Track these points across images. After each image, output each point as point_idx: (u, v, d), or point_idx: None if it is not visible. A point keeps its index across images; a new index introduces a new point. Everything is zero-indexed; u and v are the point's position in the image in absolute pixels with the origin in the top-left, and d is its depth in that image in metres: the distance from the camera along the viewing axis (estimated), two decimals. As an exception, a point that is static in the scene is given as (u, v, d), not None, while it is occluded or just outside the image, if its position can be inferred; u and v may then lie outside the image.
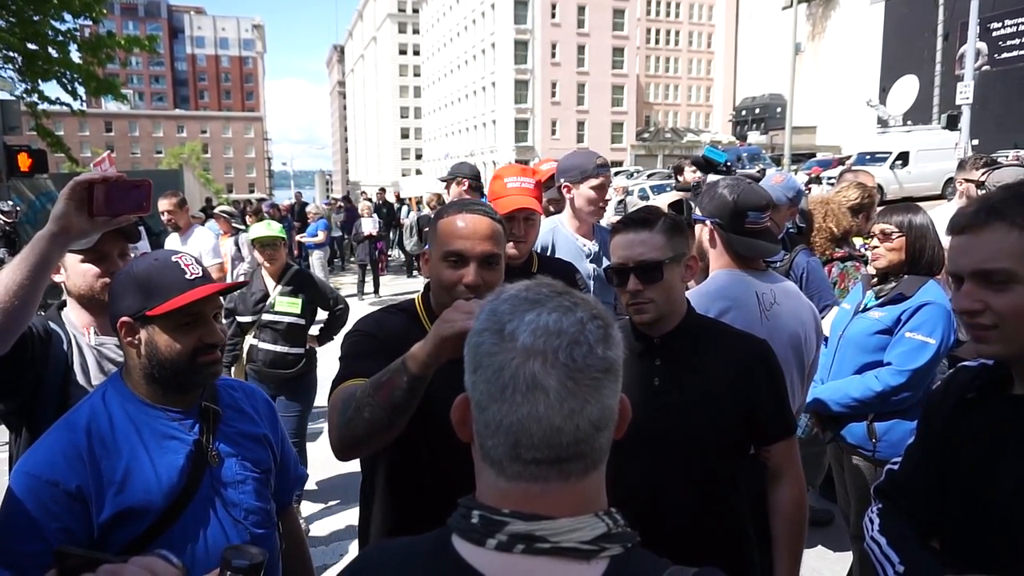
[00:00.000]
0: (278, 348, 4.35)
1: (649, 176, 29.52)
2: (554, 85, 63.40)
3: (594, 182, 2.89)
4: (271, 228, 4.53)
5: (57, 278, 2.07)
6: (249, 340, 4.46)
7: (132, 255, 2.14)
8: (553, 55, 62.80)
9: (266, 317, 4.37)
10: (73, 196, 1.40)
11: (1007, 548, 1.19)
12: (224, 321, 4.15)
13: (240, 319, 4.46)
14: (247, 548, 1.18)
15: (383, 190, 19.72)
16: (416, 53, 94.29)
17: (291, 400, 4.41)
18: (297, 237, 14.41)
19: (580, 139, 62.75)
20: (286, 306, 4.37)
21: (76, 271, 2.03)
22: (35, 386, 1.91)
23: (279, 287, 4.43)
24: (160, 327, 1.50)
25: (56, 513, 1.39)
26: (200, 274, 1.55)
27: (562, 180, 2.98)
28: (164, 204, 5.88)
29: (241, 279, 6.88)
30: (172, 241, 6.01)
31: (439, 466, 1.65)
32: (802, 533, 1.89)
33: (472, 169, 5.32)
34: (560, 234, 2.99)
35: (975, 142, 21.85)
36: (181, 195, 6.16)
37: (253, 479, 1.63)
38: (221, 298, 1.64)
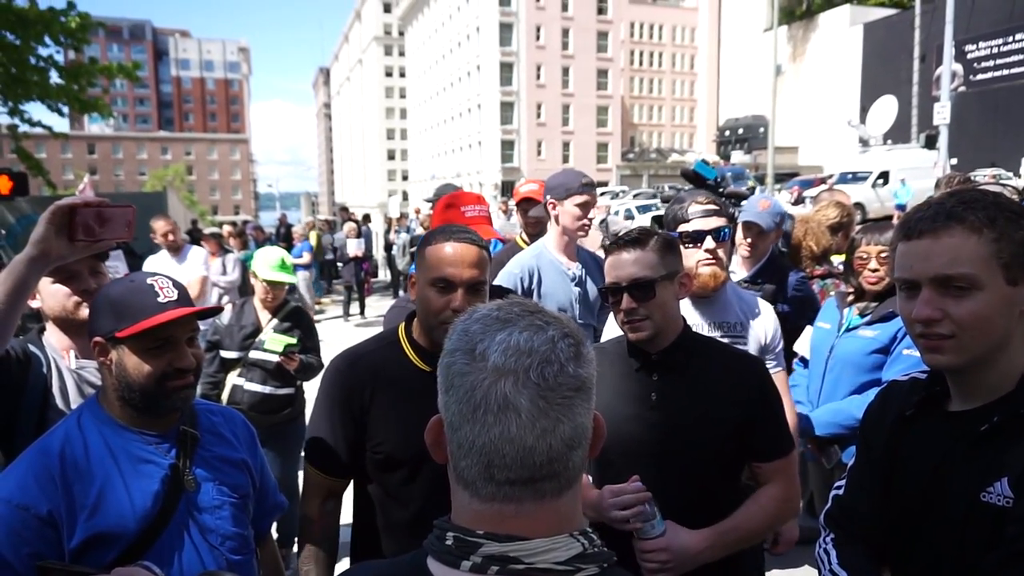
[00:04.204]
0: (266, 389, 3.88)
1: (635, 196, 29.73)
2: (539, 106, 63.86)
3: (578, 199, 2.91)
4: (286, 270, 3.98)
5: (34, 304, 2.04)
6: (232, 379, 3.92)
7: (110, 272, 2.13)
8: (538, 77, 63.32)
9: (255, 355, 3.87)
10: (54, 220, 1.40)
11: (960, 567, 1.15)
12: (207, 355, 4.02)
13: (224, 354, 3.92)
14: (223, 574, 1.17)
15: (344, 210, 19.65)
16: (402, 75, 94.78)
17: (278, 456, 3.87)
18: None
19: (566, 159, 63.13)
20: (278, 345, 3.86)
21: (48, 292, 2.01)
22: (13, 410, 1.88)
23: (273, 322, 3.95)
24: (129, 349, 1.48)
25: (27, 538, 1.37)
26: (174, 297, 1.52)
27: (548, 197, 3.01)
28: (164, 226, 5.97)
29: (224, 300, 6.88)
30: (162, 259, 6.04)
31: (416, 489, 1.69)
32: (768, 522, 1.81)
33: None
34: (545, 259, 2.99)
35: (953, 161, 22.21)
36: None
37: (230, 504, 1.61)
38: (199, 321, 1.63)
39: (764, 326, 2.45)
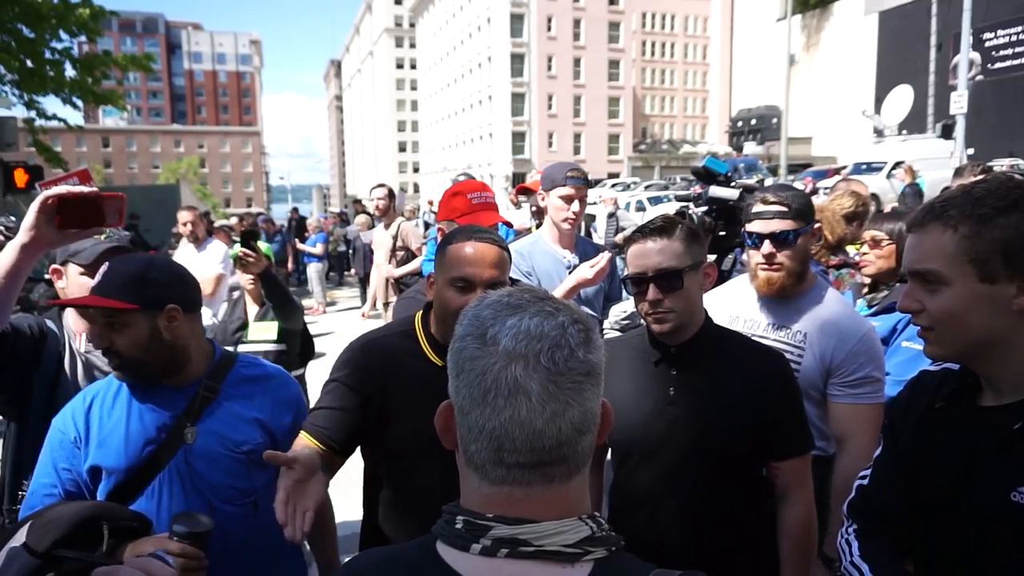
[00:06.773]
0: None
1: (646, 188, 29.60)
2: (550, 97, 63.67)
3: (562, 191, 2.92)
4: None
5: (60, 284, 2.20)
6: None
7: None
8: (549, 68, 63.11)
9: (242, 349, 3.72)
10: (43, 209, 1.47)
11: (986, 565, 1.14)
12: None
13: None
14: (197, 516, 1.21)
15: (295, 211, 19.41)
16: (413, 67, 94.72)
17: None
18: (298, 245, 14.48)
19: (577, 151, 62.98)
20: (260, 332, 3.83)
21: (75, 282, 2.14)
22: (27, 384, 2.02)
23: (256, 313, 3.91)
24: (193, 321, 1.78)
25: (63, 455, 1.71)
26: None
27: (541, 188, 3.09)
28: (187, 216, 6.21)
29: (235, 295, 6.96)
30: (185, 251, 6.18)
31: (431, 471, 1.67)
32: (810, 555, 1.86)
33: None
34: (539, 246, 3.04)
35: (970, 151, 21.94)
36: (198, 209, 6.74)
37: (230, 458, 1.74)
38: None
39: (837, 345, 2.13)
